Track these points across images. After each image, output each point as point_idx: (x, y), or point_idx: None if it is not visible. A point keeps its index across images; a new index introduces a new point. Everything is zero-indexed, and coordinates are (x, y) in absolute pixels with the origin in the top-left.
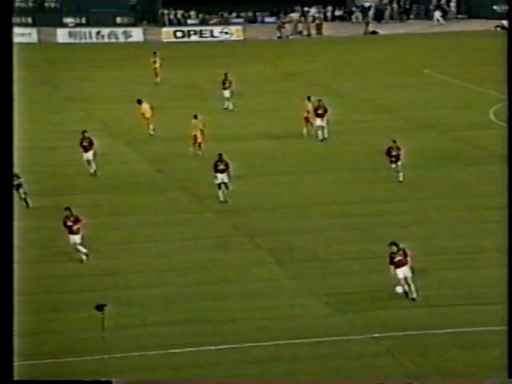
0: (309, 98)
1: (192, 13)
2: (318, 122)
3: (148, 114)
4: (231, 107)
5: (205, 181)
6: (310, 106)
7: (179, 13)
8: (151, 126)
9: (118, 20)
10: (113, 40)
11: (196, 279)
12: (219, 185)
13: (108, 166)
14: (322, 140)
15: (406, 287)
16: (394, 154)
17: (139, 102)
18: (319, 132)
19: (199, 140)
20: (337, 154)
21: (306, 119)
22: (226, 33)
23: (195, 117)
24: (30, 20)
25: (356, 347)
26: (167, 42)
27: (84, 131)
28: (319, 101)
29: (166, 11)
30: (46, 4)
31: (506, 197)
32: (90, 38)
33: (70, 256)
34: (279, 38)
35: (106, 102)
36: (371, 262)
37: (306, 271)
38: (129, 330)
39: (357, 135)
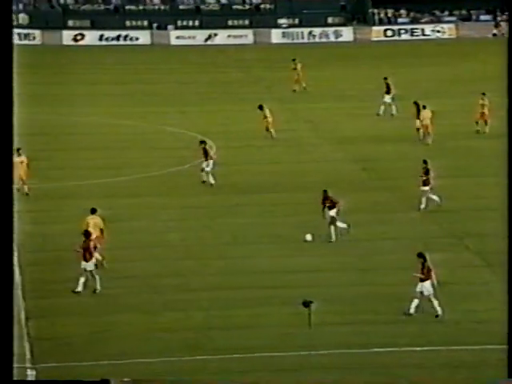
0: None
1: (402, 11)
2: None
3: (270, 119)
4: (394, 112)
5: (411, 180)
6: (486, 102)
7: (389, 12)
8: (272, 131)
9: (329, 20)
10: (323, 40)
11: (399, 279)
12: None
13: (313, 165)
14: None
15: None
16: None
17: (260, 107)
18: None
19: (429, 130)
20: None
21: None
22: (438, 31)
23: (423, 107)
24: (246, 22)
25: None
26: (377, 41)
27: (202, 141)
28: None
29: (375, 10)
30: (262, 6)
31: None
32: (302, 38)
33: (274, 253)
34: (494, 35)
35: (313, 102)
36: None
37: None
38: (332, 328)
39: None
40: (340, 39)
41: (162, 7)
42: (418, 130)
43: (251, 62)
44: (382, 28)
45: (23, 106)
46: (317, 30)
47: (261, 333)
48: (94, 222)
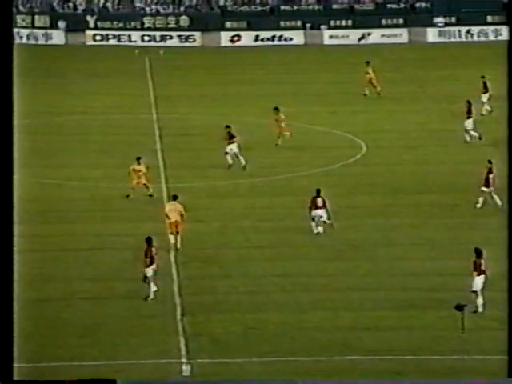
0: None
1: None
2: None
3: (282, 123)
4: (484, 112)
5: None
6: None
7: None
8: (285, 135)
9: (489, 19)
10: (482, 39)
11: None
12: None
13: (470, 166)
14: None
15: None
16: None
17: (276, 109)
18: None
19: None
20: None
21: None
22: None
23: None
24: (401, 21)
25: None
26: None
27: (227, 126)
28: None
29: None
30: (417, 5)
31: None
32: (460, 36)
33: (424, 255)
34: None
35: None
36: None
37: None
38: (488, 333)
39: None
40: (500, 38)
41: (316, 7)
42: None
43: (405, 62)
44: None
45: (181, 106)
46: (475, 29)
47: (411, 335)
48: (175, 208)
